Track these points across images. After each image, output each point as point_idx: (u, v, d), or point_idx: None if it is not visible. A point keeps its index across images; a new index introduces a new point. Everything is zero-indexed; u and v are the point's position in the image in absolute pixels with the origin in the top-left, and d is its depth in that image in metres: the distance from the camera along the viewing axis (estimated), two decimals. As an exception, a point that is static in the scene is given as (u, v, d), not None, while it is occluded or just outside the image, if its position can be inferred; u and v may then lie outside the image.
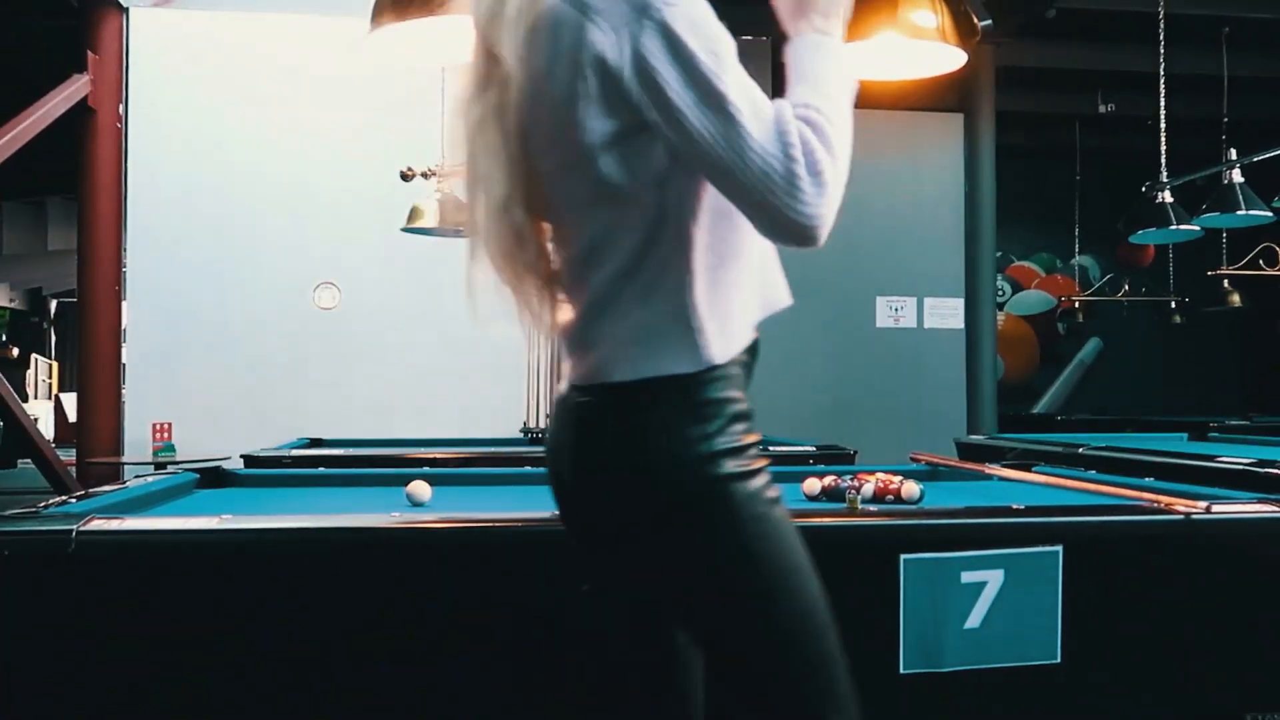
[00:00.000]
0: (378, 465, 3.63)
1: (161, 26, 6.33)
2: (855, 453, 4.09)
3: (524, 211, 1.39)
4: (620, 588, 1.48)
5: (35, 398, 19.26)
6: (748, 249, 1.39)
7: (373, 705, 1.72)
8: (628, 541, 1.36)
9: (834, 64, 1.33)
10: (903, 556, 1.78)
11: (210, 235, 6.31)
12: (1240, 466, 3.47)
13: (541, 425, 5.74)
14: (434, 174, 4.73)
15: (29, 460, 7.01)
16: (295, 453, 3.98)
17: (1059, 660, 1.82)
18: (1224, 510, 1.98)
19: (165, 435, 6.00)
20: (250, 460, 3.74)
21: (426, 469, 3.22)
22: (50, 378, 20.64)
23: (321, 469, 3.29)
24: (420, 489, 2.44)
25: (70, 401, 14.83)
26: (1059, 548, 1.82)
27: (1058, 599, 1.81)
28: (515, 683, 1.75)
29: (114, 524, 1.70)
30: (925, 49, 2.65)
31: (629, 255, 1.33)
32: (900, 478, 2.41)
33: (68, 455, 6.71)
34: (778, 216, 1.22)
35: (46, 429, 15.73)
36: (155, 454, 5.83)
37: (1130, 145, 8.65)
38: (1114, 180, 9.17)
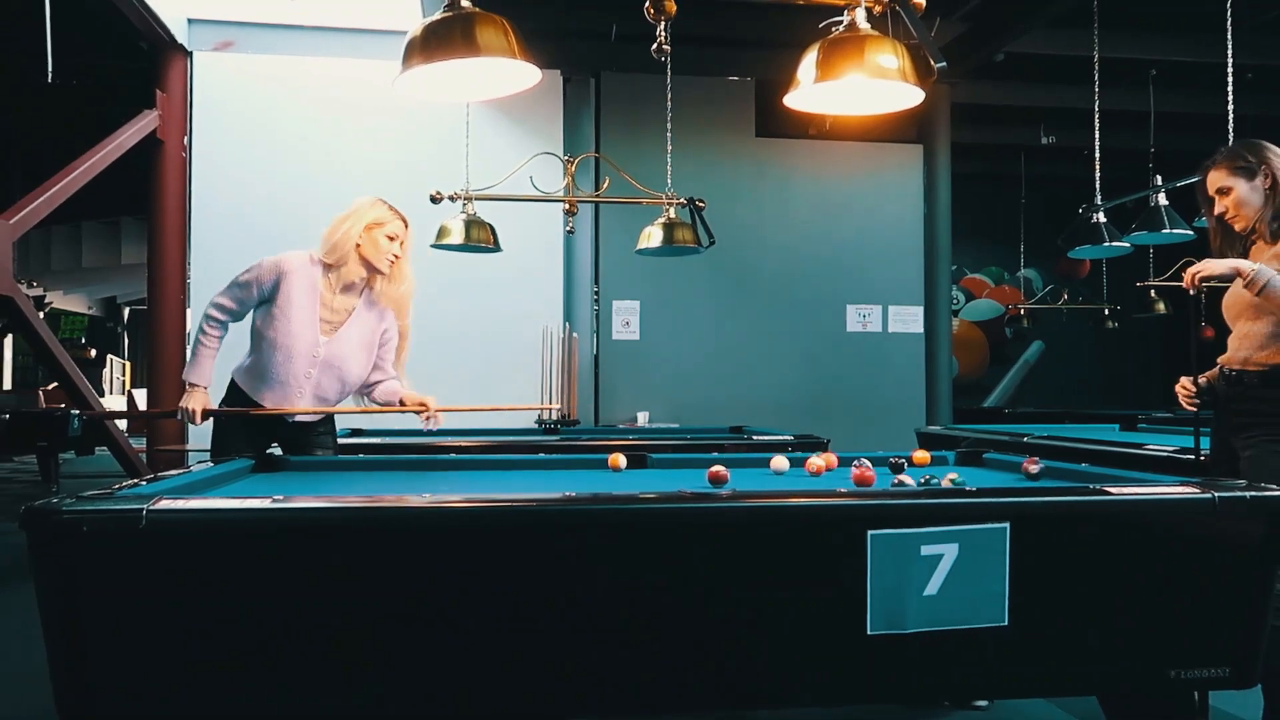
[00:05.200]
0: (410, 453, 3.63)
1: (221, 68, 6.34)
2: (829, 441, 4.09)
3: None
4: None
5: (110, 393, 19.26)
6: None
7: (401, 666, 1.72)
8: None
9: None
10: (870, 532, 1.78)
11: (262, 250, 6.27)
12: (1164, 453, 3.47)
13: (554, 417, 5.74)
14: (459, 197, 4.73)
15: (105, 447, 7.00)
16: (339, 441, 3.98)
17: (1006, 623, 1.82)
18: (1149, 491, 1.98)
19: (224, 426, 5.99)
20: (299, 448, 3.73)
21: (453, 456, 3.22)
22: (123, 375, 20.63)
23: (362, 456, 3.29)
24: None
25: (141, 396, 14.82)
26: (1006, 524, 1.82)
27: (1005, 569, 1.81)
28: (529, 647, 1.75)
29: (179, 504, 1.70)
30: (888, 88, 2.65)
31: None
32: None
33: (139, 443, 6.71)
34: None
35: (120, 420, 15.70)
36: (215, 442, 5.83)
37: (1069, 172, 8.66)
38: (1055, 203, 9.17)
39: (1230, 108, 4.77)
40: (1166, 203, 5.40)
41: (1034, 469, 2.44)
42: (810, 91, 2.60)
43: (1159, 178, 5.53)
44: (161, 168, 6.27)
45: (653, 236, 4.73)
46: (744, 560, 1.79)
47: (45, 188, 5.52)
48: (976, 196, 9.60)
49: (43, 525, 1.62)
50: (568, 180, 4.82)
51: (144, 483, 2.11)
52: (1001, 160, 9.44)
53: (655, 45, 2.70)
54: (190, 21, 6.30)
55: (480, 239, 4.69)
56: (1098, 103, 5.85)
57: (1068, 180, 8.68)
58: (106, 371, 19.57)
